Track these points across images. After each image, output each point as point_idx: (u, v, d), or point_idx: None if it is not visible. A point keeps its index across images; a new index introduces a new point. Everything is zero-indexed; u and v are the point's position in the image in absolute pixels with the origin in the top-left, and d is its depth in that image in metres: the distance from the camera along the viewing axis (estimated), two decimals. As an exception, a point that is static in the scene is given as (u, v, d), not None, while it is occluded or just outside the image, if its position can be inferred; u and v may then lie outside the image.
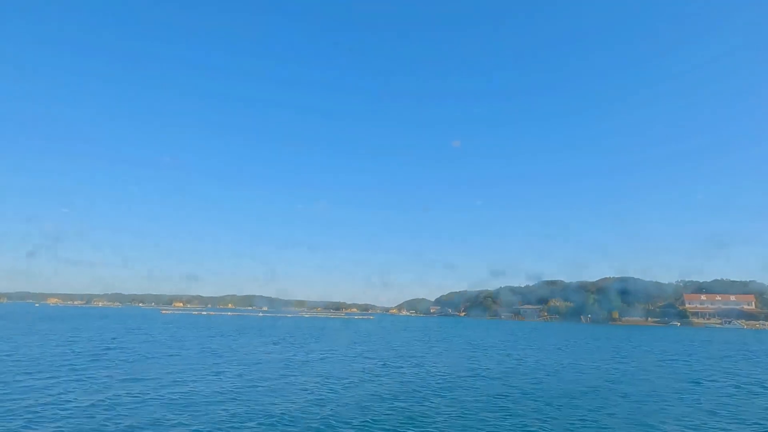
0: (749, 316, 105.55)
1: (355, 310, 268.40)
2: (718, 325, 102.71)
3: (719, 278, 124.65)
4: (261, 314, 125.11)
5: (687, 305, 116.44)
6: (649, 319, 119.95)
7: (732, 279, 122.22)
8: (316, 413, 11.50)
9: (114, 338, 31.80)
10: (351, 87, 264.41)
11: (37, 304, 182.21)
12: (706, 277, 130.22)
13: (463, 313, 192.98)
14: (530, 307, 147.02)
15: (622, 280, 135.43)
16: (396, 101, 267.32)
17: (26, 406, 11.29)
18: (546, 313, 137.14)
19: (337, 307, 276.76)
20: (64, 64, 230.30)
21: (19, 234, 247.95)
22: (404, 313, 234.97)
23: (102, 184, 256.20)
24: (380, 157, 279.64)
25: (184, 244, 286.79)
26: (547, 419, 11.52)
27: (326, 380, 16.34)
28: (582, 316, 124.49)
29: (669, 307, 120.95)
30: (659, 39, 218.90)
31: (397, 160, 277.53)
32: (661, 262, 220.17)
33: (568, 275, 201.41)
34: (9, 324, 45.93)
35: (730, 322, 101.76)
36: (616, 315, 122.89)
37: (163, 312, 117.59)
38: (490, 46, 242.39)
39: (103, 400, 12.09)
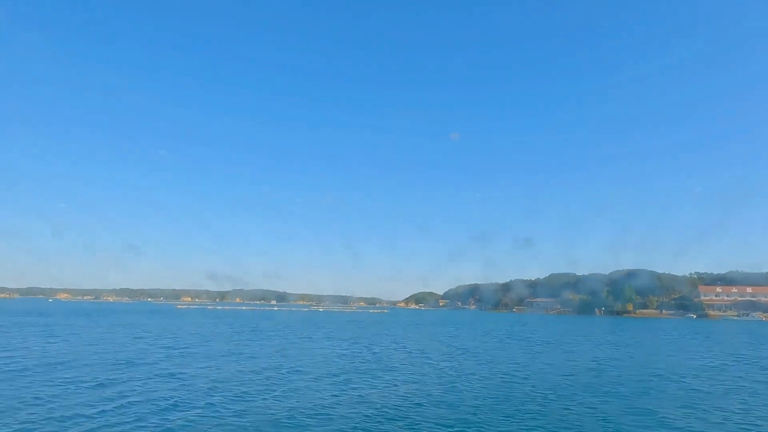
0: (767, 308, 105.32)
1: (362, 303, 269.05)
2: (735, 318, 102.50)
3: (734, 270, 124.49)
4: (276, 308, 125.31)
5: (702, 297, 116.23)
6: (664, 311, 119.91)
7: (747, 271, 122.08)
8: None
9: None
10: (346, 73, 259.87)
11: (50, 299, 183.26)
12: (721, 269, 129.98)
13: (473, 306, 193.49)
14: (543, 299, 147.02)
15: (635, 272, 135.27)
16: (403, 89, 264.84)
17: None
18: (559, 306, 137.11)
19: (344, 300, 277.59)
20: (59, 56, 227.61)
21: (22, 230, 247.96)
22: (412, 306, 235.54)
23: (99, 179, 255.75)
24: (378, 145, 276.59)
25: (188, 239, 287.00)
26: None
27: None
28: (597, 309, 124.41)
29: (684, 299, 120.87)
30: (656, 31, 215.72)
31: (396, 149, 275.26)
32: (675, 254, 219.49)
33: (579, 268, 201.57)
34: (111, 320, 45.98)
35: (747, 315, 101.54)
36: (630, 307, 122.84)
37: (178, 307, 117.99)
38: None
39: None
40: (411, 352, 25.64)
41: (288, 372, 17.30)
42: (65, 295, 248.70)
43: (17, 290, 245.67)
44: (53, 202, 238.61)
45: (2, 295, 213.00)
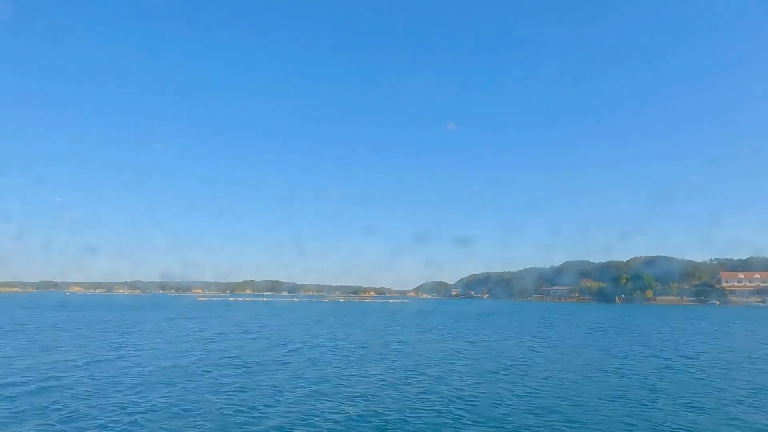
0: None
1: (372, 293, 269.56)
2: (760, 304, 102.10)
3: (755, 255, 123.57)
4: (296, 299, 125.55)
5: (724, 283, 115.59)
6: (684, 298, 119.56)
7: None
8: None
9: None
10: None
11: (68, 293, 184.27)
12: (741, 254, 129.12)
13: (486, 296, 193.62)
14: (559, 287, 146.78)
15: (654, 259, 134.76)
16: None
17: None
18: (578, 294, 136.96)
19: (355, 291, 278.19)
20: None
21: (23, 225, 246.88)
22: (425, 296, 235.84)
23: (98, 175, 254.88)
24: (379, 131, 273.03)
25: (193, 231, 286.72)
26: None
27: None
28: (617, 297, 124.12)
29: (704, 285, 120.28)
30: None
31: (400, 137, 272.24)
32: (694, 240, 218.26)
33: (595, 255, 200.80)
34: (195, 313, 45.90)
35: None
36: (650, 294, 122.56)
37: (199, 299, 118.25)
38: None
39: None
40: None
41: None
42: (77, 288, 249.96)
43: (30, 284, 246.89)
44: (49, 196, 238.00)
45: (17, 289, 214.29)
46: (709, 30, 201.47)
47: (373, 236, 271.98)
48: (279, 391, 12.39)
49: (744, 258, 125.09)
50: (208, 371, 15.14)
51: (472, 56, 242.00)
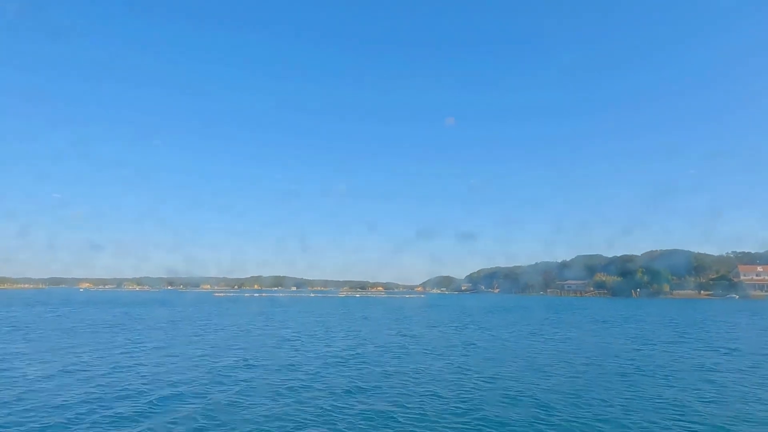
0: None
1: (380, 288, 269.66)
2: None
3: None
4: (312, 294, 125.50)
5: (742, 277, 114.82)
6: (701, 292, 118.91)
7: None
8: None
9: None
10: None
11: (81, 289, 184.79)
12: (758, 248, 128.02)
13: (497, 290, 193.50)
14: (573, 282, 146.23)
15: (668, 252, 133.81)
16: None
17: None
18: (593, 288, 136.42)
19: (363, 286, 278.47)
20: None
21: (31, 222, 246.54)
22: (433, 290, 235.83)
23: (100, 171, 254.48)
24: (382, 125, 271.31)
25: (198, 228, 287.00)
26: None
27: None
28: (633, 291, 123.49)
29: (722, 279, 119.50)
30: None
31: (403, 132, 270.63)
32: (706, 234, 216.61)
33: (604, 250, 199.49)
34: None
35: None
36: (667, 288, 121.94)
37: (216, 295, 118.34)
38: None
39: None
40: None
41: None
42: (88, 284, 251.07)
43: (41, 281, 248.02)
44: (48, 193, 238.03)
45: (28, 286, 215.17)
46: (710, 26, 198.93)
47: (377, 231, 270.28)
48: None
49: (762, 252, 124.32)
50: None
51: (474, 51, 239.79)
